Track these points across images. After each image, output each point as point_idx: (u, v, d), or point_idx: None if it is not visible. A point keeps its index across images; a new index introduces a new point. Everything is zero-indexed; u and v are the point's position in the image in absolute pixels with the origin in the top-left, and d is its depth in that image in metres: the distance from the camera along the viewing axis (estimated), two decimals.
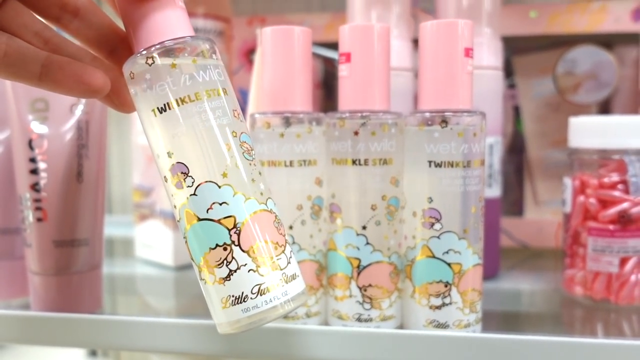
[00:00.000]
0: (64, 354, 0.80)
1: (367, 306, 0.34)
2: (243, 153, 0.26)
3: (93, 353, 0.74)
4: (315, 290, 0.35)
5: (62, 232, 0.37)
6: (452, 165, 0.32)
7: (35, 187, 0.36)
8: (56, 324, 0.36)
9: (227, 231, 0.25)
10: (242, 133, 0.26)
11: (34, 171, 0.36)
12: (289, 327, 0.33)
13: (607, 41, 0.54)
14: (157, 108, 0.26)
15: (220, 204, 0.25)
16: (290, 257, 0.26)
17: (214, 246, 0.25)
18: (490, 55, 0.45)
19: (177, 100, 0.25)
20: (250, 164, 0.26)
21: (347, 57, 0.33)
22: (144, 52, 0.26)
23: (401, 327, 0.35)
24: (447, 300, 0.33)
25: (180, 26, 0.26)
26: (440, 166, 0.32)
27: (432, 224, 0.32)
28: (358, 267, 0.33)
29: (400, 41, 0.45)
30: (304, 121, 0.34)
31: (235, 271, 0.25)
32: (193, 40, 0.26)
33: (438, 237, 0.32)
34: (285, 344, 0.33)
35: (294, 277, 0.26)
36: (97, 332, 0.36)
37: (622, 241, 0.39)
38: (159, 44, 0.26)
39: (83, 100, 0.37)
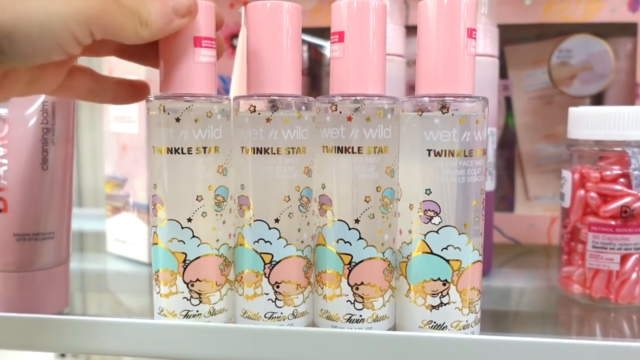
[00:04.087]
0: (32, 355, 0.76)
1: (359, 306, 0.31)
2: (213, 205, 0.31)
3: (62, 354, 0.71)
4: (302, 288, 0.32)
5: (24, 225, 0.34)
6: (452, 155, 0.30)
7: None
8: (18, 325, 0.33)
9: (177, 263, 0.31)
10: (219, 187, 0.31)
11: None
12: (274, 329, 0.31)
13: (603, 32, 0.52)
14: (155, 147, 0.30)
15: (179, 241, 0.31)
16: (225, 293, 0.32)
17: (165, 268, 0.31)
18: (486, 41, 0.43)
19: (170, 149, 0.30)
20: (216, 215, 0.31)
21: (341, 36, 0.31)
22: (162, 97, 0.30)
23: (395, 328, 0.33)
24: (445, 300, 0.31)
25: (201, 82, 0.30)
26: (440, 155, 0.30)
27: (431, 218, 0.30)
28: (349, 263, 0.31)
29: (392, 25, 0.43)
30: (292, 105, 0.31)
31: (175, 294, 0.31)
32: (203, 101, 0.30)
33: (436, 232, 0.30)
34: (271, 346, 0.31)
35: (221, 311, 0.32)
36: (63, 334, 0.33)
37: (623, 237, 0.37)
38: (174, 96, 0.30)
39: None
